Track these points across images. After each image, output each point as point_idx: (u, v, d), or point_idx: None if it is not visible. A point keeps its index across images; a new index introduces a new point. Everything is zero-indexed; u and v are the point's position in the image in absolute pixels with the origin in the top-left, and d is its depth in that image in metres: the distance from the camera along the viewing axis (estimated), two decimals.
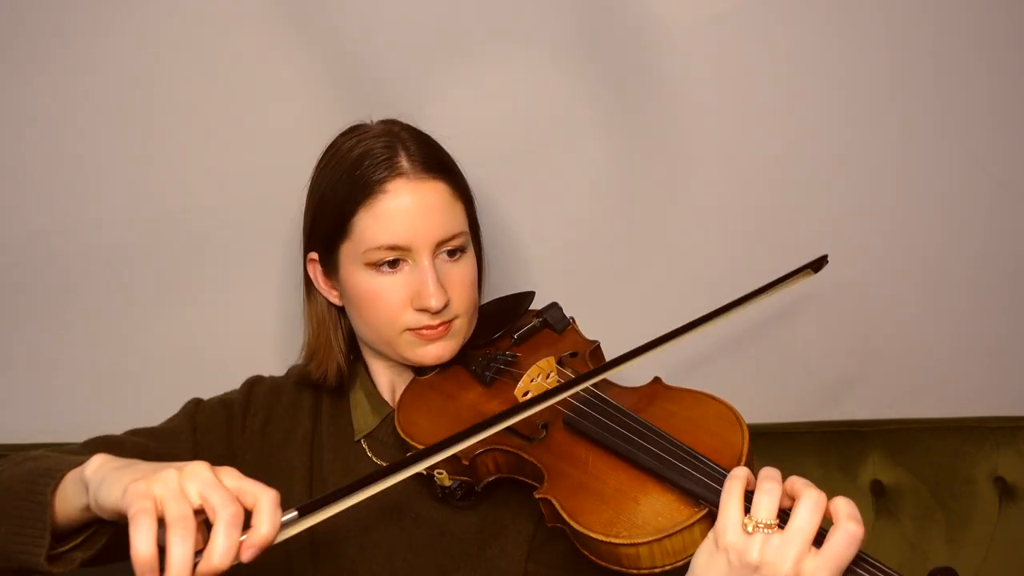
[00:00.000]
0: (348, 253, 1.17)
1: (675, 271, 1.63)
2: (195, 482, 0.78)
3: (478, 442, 0.97)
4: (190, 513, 0.75)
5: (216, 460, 1.13)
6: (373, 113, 1.26)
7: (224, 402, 1.25)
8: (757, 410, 1.68)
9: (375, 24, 1.50)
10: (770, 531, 0.83)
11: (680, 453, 0.95)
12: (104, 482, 0.81)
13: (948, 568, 0.81)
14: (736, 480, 0.87)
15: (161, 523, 0.75)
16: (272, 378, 1.31)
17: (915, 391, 1.71)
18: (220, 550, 0.74)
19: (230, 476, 0.81)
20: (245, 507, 0.78)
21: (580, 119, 1.57)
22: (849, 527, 0.81)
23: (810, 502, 0.83)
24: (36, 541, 0.87)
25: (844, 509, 0.83)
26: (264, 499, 0.79)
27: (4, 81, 1.48)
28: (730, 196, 1.61)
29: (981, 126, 1.62)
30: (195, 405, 1.25)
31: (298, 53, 1.50)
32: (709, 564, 0.86)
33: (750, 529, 0.83)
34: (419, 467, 0.91)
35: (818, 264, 1.23)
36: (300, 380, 1.29)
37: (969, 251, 1.67)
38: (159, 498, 0.76)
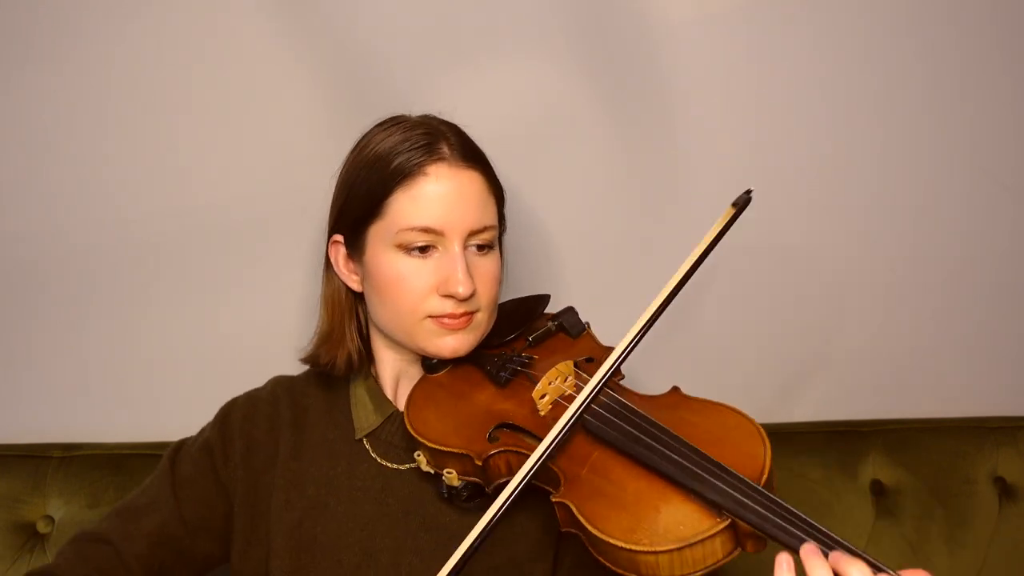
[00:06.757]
0: (378, 233, 1.16)
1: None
2: None
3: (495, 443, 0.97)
4: None
5: (204, 505, 1.18)
6: (380, 111, 1.25)
7: (201, 445, 1.24)
8: (757, 410, 1.67)
9: (385, 25, 1.50)
10: None
11: (702, 462, 0.94)
12: None
13: None
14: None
15: None
16: (247, 397, 1.29)
17: (915, 391, 1.71)
18: None
19: None
20: None
21: (587, 119, 1.57)
22: None
23: None
24: None
25: None
26: None
27: (22, 80, 1.47)
28: (740, 192, 1.60)
29: (986, 129, 1.62)
30: (173, 456, 1.23)
31: (309, 54, 1.50)
32: None
33: None
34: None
35: (744, 201, 1.19)
36: (275, 391, 1.29)
37: (970, 252, 1.68)
38: None
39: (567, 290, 1.54)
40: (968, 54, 1.60)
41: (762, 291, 1.67)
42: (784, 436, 1.63)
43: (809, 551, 0.83)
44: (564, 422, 0.99)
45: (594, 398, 1.02)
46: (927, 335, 1.71)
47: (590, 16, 1.53)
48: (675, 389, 1.12)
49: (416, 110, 1.25)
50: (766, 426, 1.61)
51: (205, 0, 1.47)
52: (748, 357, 1.70)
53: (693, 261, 1.08)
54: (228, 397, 1.31)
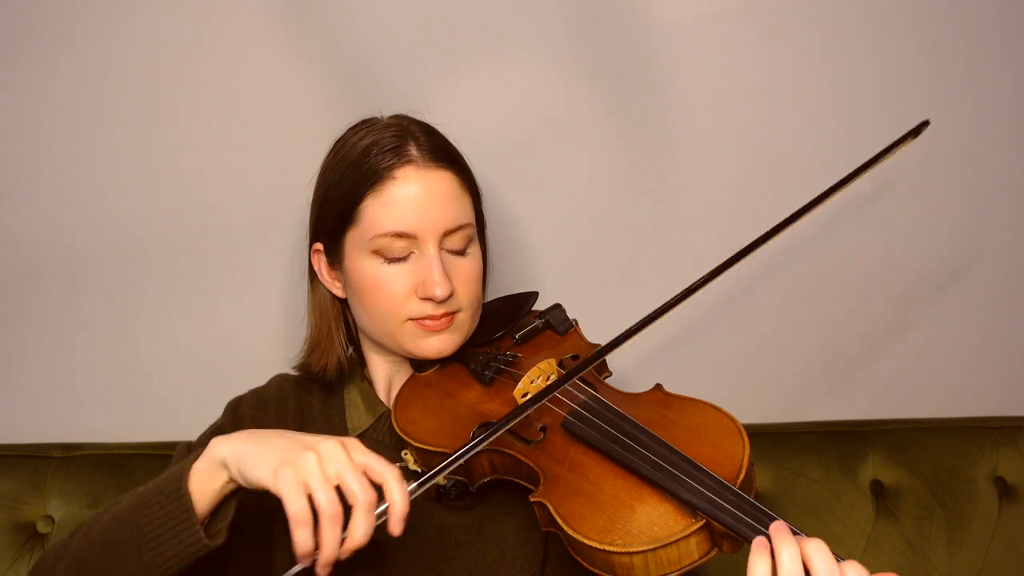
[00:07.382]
0: (354, 240, 1.16)
1: (681, 272, 1.63)
2: (333, 464, 0.89)
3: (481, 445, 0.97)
4: (339, 507, 0.88)
5: None
6: (378, 111, 1.26)
7: (215, 432, 1.20)
8: (757, 410, 1.68)
9: (380, 24, 1.51)
10: None
11: (679, 462, 0.94)
12: (247, 458, 0.92)
13: None
14: (761, 557, 0.83)
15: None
16: (254, 392, 1.30)
17: (915, 391, 1.71)
18: (362, 531, 0.88)
19: (358, 452, 0.91)
20: (373, 482, 0.90)
21: (585, 119, 1.57)
22: None
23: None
24: (188, 527, 0.93)
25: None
26: (389, 477, 0.89)
27: (19, 81, 1.48)
28: (735, 195, 1.60)
29: (987, 128, 1.62)
30: (186, 449, 1.22)
31: (304, 53, 1.50)
32: None
33: None
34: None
35: (918, 129, 1.19)
36: (281, 386, 1.29)
37: (970, 252, 1.67)
38: (307, 483, 0.88)
39: (559, 288, 1.54)
40: (970, 54, 1.60)
41: (762, 292, 1.66)
42: (784, 436, 1.63)
43: (778, 528, 0.83)
44: (530, 399, 1.00)
45: (568, 382, 1.02)
46: (927, 335, 1.70)
47: (589, 16, 1.53)
48: (658, 386, 1.11)
49: (412, 111, 1.25)
50: (766, 426, 1.64)
51: (202, 3, 1.47)
52: (748, 358, 1.70)
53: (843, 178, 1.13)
54: (228, 397, 1.31)
